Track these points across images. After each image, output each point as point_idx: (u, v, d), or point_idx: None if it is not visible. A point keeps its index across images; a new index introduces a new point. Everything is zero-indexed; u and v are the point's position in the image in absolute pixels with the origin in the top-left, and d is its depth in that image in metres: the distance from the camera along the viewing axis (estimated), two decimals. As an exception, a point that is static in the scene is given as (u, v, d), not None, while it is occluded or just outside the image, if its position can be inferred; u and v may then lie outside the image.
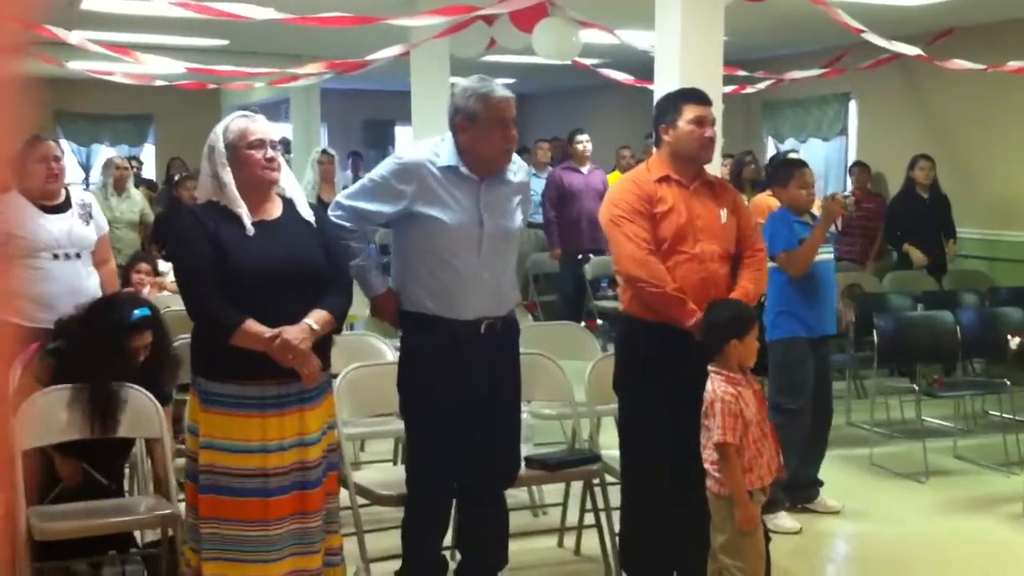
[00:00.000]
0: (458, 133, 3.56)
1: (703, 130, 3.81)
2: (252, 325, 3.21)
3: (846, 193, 5.28)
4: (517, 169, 3.70)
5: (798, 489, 5.00)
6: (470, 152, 3.54)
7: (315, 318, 3.30)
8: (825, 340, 5.04)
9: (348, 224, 3.58)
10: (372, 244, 3.77)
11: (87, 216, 4.61)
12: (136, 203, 8.32)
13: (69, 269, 4.45)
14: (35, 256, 4.37)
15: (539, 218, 9.60)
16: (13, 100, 0.70)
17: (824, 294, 4.97)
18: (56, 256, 4.41)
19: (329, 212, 3.61)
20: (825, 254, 4.98)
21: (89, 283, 4.55)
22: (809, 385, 4.92)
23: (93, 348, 3.76)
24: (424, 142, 3.74)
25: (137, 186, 9.68)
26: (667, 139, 3.85)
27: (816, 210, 5.16)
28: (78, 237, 4.51)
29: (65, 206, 4.56)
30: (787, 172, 5.10)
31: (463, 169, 3.53)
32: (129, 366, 3.79)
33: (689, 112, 3.81)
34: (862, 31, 6.16)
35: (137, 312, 3.85)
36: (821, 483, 5.13)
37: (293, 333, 3.23)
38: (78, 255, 4.53)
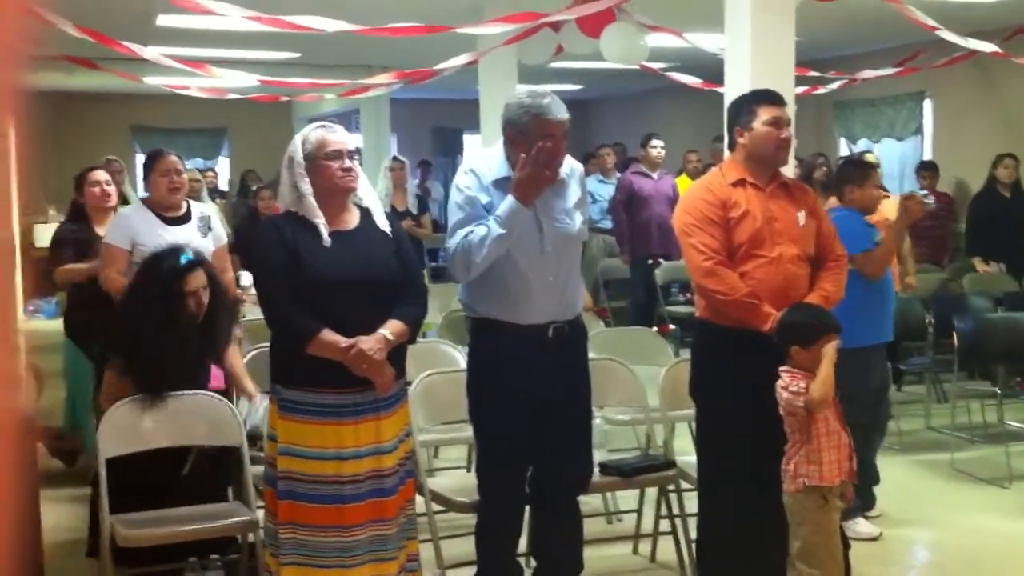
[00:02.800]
0: (510, 144, 3.56)
1: (779, 131, 3.78)
2: (328, 335, 3.25)
3: (924, 192, 5.17)
4: (571, 171, 3.67)
5: None
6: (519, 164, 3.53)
7: (390, 328, 3.33)
8: (885, 347, 4.94)
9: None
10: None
11: (206, 228, 4.82)
12: (212, 212, 8.47)
13: None
14: None
15: (608, 224, 9.60)
16: (16, 106, 0.71)
17: (888, 299, 4.90)
18: None
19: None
20: None
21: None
22: (873, 394, 4.83)
23: (156, 304, 3.83)
24: (480, 155, 3.74)
25: (212, 198, 9.86)
26: (742, 141, 3.82)
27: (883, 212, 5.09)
28: (196, 248, 4.66)
29: (186, 218, 4.78)
30: (860, 172, 5.01)
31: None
32: (192, 313, 3.84)
33: (765, 113, 3.78)
34: (936, 28, 6.06)
35: (184, 256, 3.94)
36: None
37: (368, 343, 3.27)
38: None
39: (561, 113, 3.50)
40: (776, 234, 3.72)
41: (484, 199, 3.53)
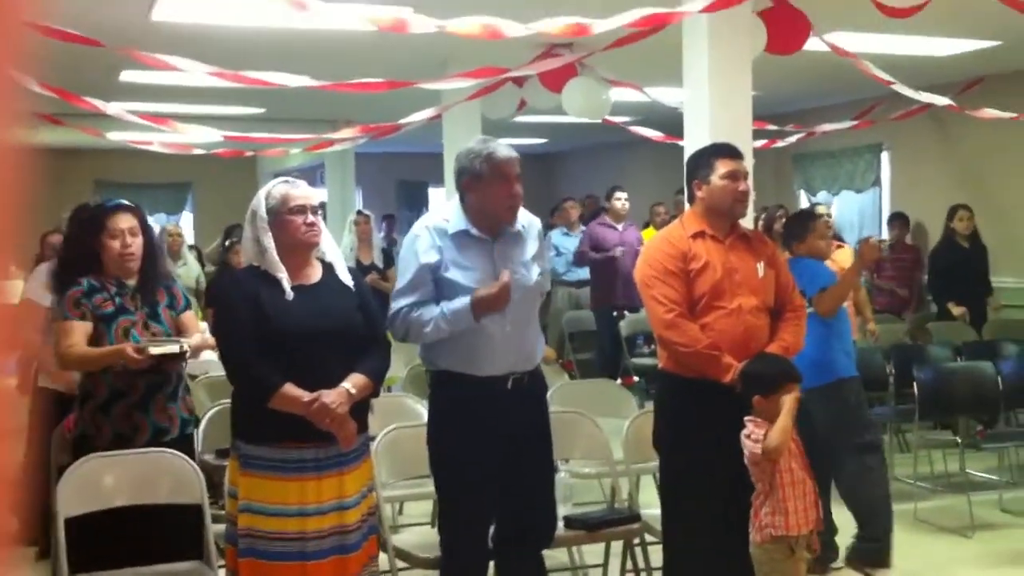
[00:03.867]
0: (465, 193, 3.62)
1: (737, 184, 3.83)
2: (290, 389, 3.24)
3: (882, 237, 5.27)
4: (528, 223, 3.72)
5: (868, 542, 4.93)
6: (478, 211, 3.58)
7: (353, 382, 3.32)
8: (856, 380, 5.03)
9: (402, 313, 3.55)
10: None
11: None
12: (192, 269, 8.49)
13: None
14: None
15: (573, 276, 9.64)
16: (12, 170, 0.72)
17: (848, 335, 5.04)
18: None
19: (389, 327, 3.59)
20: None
21: None
22: (866, 418, 5.01)
23: (81, 243, 3.91)
24: (432, 213, 3.78)
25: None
26: (700, 194, 3.87)
27: (837, 268, 5.20)
28: None
29: None
30: (802, 225, 5.09)
31: (474, 231, 3.58)
32: (119, 254, 3.84)
33: (722, 167, 3.83)
34: (891, 83, 6.17)
35: (114, 200, 4.02)
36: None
37: (331, 397, 3.26)
38: None
39: (510, 152, 3.59)
40: (736, 285, 3.76)
41: (434, 258, 3.54)
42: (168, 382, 3.86)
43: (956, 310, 8.14)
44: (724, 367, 3.64)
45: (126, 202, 4.02)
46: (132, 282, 3.91)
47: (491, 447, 3.55)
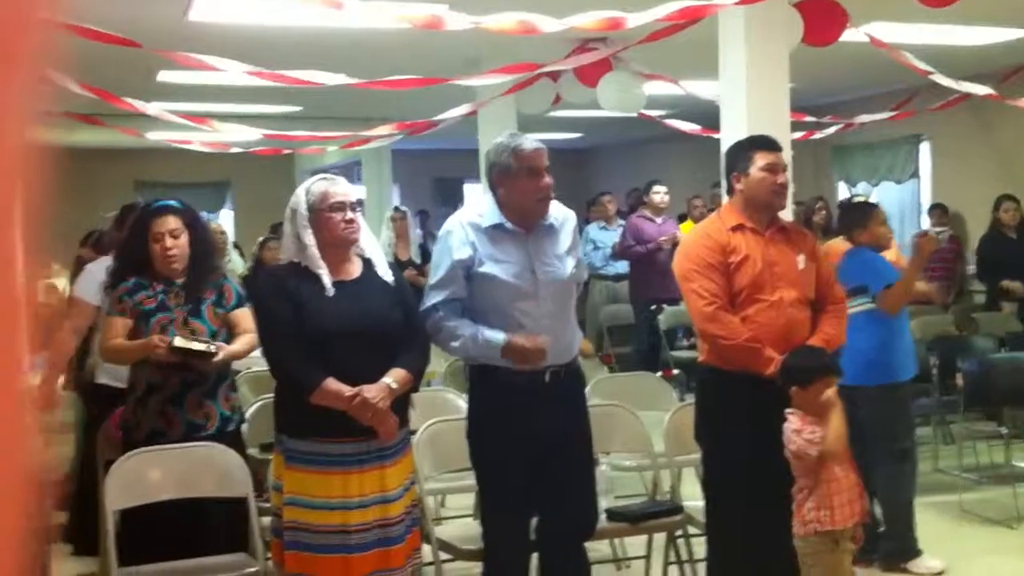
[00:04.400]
0: (496, 189, 3.63)
1: (775, 177, 3.81)
2: (331, 384, 3.27)
3: (939, 229, 5.22)
4: (562, 217, 3.73)
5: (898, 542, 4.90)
6: (509, 206, 3.60)
7: (393, 377, 3.35)
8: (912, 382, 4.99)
9: (439, 314, 3.56)
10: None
11: None
12: (237, 265, 8.55)
13: None
14: None
15: (610, 270, 9.63)
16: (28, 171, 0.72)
17: (908, 335, 4.95)
18: None
19: (427, 324, 3.58)
20: None
21: None
22: (911, 427, 4.96)
23: (131, 245, 4.01)
24: (465, 208, 3.83)
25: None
26: (739, 187, 3.85)
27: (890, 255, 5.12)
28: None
29: None
30: (863, 213, 5.06)
31: (508, 224, 3.59)
32: (160, 256, 3.89)
33: (761, 159, 3.81)
34: (930, 73, 6.12)
35: (160, 201, 4.06)
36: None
37: (372, 392, 3.28)
38: None
39: (537, 144, 3.61)
40: (776, 278, 3.74)
41: (467, 253, 3.56)
42: (205, 379, 3.88)
43: (1013, 285, 8.04)
44: (765, 360, 3.63)
45: (172, 203, 4.06)
46: (180, 280, 3.95)
47: (530, 441, 3.56)
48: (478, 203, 3.76)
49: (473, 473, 3.83)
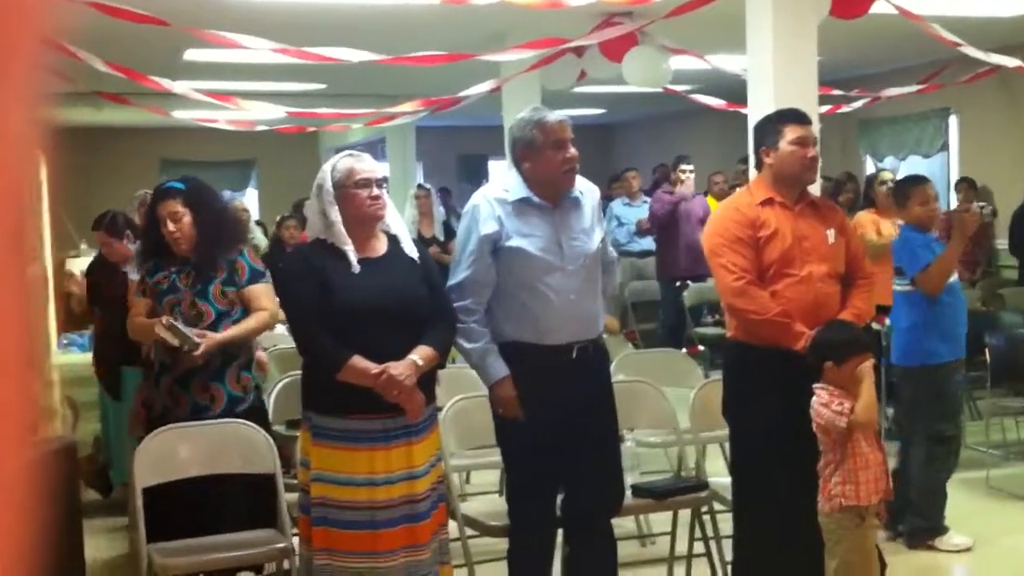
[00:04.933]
0: (521, 163, 3.63)
1: (805, 150, 3.79)
2: (358, 361, 3.28)
3: (982, 204, 5.16)
4: (586, 190, 3.74)
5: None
6: (536, 179, 3.60)
7: (420, 354, 3.36)
8: (958, 363, 4.93)
9: (468, 302, 3.57)
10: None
11: None
12: (260, 244, 8.60)
13: None
14: None
15: (634, 247, 9.62)
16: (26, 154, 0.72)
17: (962, 315, 4.88)
18: None
19: (453, 304, 3.59)
20: (954, 275, 4.85)
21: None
22: (960, 409, 4.88)
23: (147, 228, 4.08)
24: (490, 184, 3.84)
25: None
26: (769, 161, 3.83)
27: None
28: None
29: None
30: (901, 193, 5.02)
31: (534, 198, 3.59)
32: (167, 237, 3.93)
33: (791, 133, 3.79)
34: (959, 44, 6.06)
35: (165, 183, 4.10)
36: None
37: (398, 369, 3.30)
38: None
39: (561, 116, 3.62)
40: (806, 253, 3.73)
41: (493, 228, 3.55)
42: (209, 362, 3.87)
43: None
44: (795, 335, 3.62)
45: (176, 184, 4.04)
46: (193, 260, 3.97)
47: (556, 417, 3.56)
48: (503, 178, 3.76)
49: (498, 450, 3.84)
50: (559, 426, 3.57)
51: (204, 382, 3.90)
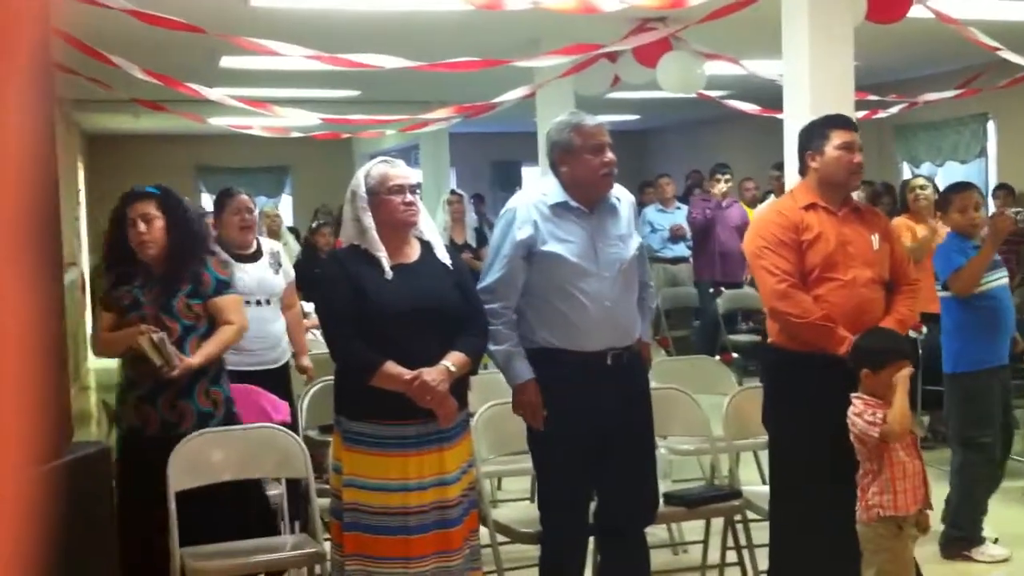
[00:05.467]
0: (559, 167, 3.63)
1: (851, 156, 3.77)
2: (391, 367, 3.28)
3: (1017, 210, 5.12)
4: (622, 197, 3.73)
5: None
6: (573, 184, 3.59)
7: (452, 360, 3.36)
8: (1005, 369, 4.85)
9: (497, 306, 3.57)
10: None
11: (277, 264, 4.87)
12: (292, 250, 8.65)
13: (259, 314, 4.65)
14: None
15: (667, 253, 9.59)
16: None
17: (1004, 321, 4.81)
18: (248, 303, 4.55)
19: (487, 312, 3.57)
20: (998, 279, 4.78)
21: (276, 327, 4.81)
22: (998, 417, 4.78)
23: (112, 234, 3.92)
24: (531, 187, 3.84)
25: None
26: (814, 166, 3.81)
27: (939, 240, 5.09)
28: (269, 285, 4.77)
29: (257, 255, 4.83)
30: (945, 197, 5.02)
31: (572, 203, 3.58)
32: (135, 241, 3.80)
33: (837, 138, 3.77)
34: (998, 49, 5.99)
35: (139, 187, 3.95)
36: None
37: (431, 375, 3.29)
38: (268, 301, 4.77)
39: (598, 120, 3.62)
40: (850, 258, 3.70)
41: (528, 233, 3.54)
42: (179, 377, 3.74)
43: None
44: (838, 339, 3.59)
45: (150, 188, 3.92)
46: (159, 272, 3.83)
47: (591, 423, 3.54)
48: (541, 183, 3.75)
49: (529, 456, 3.83)
50: (593, 433, 3.55)
51: (171, 399, 3.78)
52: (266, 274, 4.76)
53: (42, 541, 0.71)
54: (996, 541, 4.87)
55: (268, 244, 4.99)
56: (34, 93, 0.71)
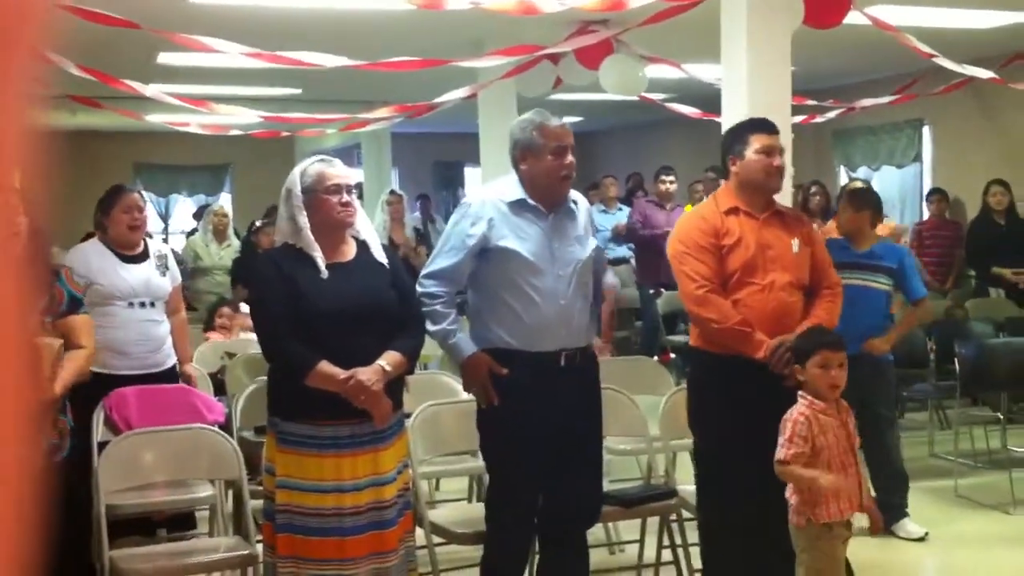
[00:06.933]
0: (519, 165, 3.64)
1: (771, 159, 3.79)
2: (326, 367, 3.26)
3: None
4: (579, 199, 3.77)
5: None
6: (532, 183, 3.60)
7: (388, 360, 3.34)
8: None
9: (435, 290, 3.58)
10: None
11: (164, 267, 4.70)
12: (236, 250, 8.54)
13: (141, 316, 4.53)
14: (110, 303, 4.45)
15: (610, 254, 9.63)
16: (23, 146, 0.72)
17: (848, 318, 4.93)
18: (131, 304, 4.47)
19: (418, 289, 3.59)
20: (856, 279, 4.87)
21: (160, 330, 4.63)
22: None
23: None
24: (491, 184, 3.83)
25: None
26: (735, 170, 3.84)
27: (882, 231, 5.19)
28: (155, 287, 4.60)
29: (143, 256, 4.65)
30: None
31: (530, 201, 3.59)
32: None
33: (757, 142, 3.80)
34: (933, 55, 6.09)
35: None
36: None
37: (366, 375, 3.27)
38: (152, 304, 4.61)
39: (563, 123, 3.63)
40: (769, 261, 3.73)
41: (481, 228, 3.55)
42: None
43: (1004, 272, 8.04)
44: (755, 343, 3.62)
45: None
46: None
47: (543, 423, 3.54)
48: (500, 181, 3.76)
49: (467, 457, 3.83)
50: (545, 433, 3.55)
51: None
52: (152, 276, 4.59)
53: (40, 541, 0.70)
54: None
55: (156, 246, 4.83)
56: (33, 89, 0.71)
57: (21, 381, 0.70)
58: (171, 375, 4.68)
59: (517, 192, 3.61)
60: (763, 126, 3.87)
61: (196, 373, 4.87)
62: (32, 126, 0.72)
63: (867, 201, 5.28)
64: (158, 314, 4.63)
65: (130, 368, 4.44)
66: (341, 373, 3.26)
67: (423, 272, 3.65)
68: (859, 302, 4.90)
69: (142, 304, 4.54)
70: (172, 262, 4.83)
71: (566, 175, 3.61)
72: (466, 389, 3.68)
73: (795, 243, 3.80)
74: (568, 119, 3.67)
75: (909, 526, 4.98)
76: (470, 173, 16.70)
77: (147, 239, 4.76)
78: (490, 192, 3.69)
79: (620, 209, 9.93)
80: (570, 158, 3.60)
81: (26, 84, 0.70)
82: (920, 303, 5.12)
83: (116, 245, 4.58)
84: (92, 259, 4.52)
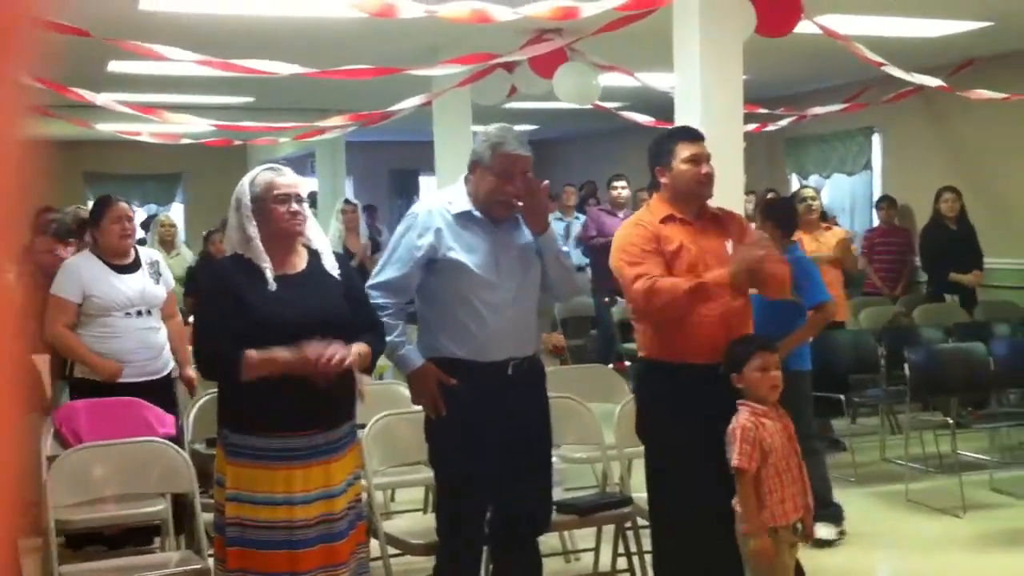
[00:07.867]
0: (469, 175, 3.63)
1: (699, 168, 3.76)
2: (255, 353, 3.15)
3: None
4: None
5: None
6: (476, 196, 3.59)
7: (355, 348, 3.28)
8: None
9: (382, 301, 3.56)
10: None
11: (156, 274, 4.76)
12: (185, 260, 8.47)
13: (140, 325, 4.58)
14: (108, 315, 4.49)
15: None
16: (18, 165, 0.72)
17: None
18: (128, 314, 4.50)
19: (371, 299, 3.56)
20: None
21: (159, 337, 4.71)
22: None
23: None
24: (439, 192, 3.80)
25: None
26: (665, 181, 3.81)
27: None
28: (150, 295, 4.66)
29: (135, 265, 4.69)
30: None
31: (476, 213, 3.58)
32: None
33: (683, 151, 3.77)
34: (882, 64, 6.17)
35: None
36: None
37: (313, 346, 3.18)
38: (148, 312, 4.65)
39: (520, 149, 3.56)
40: (709, 267, 3.69)
41: (428, 240, 3.54)
42: None
43: (962, 277, 8.15)
44: (716, 281, 3.56)
45: None
46: None
47: (491, 432, 3.54)
48: (449, 190, 3.73)
49: (422, 467, 3.81)
50: (494, 441, 3.54)
51: None
52: (147, 284, 4.65)
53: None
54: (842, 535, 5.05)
55: (147, 253, 4.86)
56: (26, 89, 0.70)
57: (15, 389, 0.70)
58: (167, 382, 4.75)
59: (464, 203, 3.59)
60: (687, 134, 3.86)
61: (196, 375, 4.88)
62: (23, 134, 0.72)
63: (769, 213, 5.36)
64: (156, 321, 4.68)
65: (129, 376, 4.51)
66: (278, 350, 3.14)
67: (370, 282, 3.62)
68: (763, 311, 4.94)
69: (139, 313, 4.59)
70: (164, 267, 4.89)
71: (502, 201, 3.56)
72: (414, 401, 3.66)
73: (728, 245, 3.75)
74: (524, 127, 3.67)
75: (822, 530, 4.93)
76: (425, 181, 16.68)
77: (136, 247, 4.79)
78: (436, 201, 3.66)
79: (576, 218, 9.96)
80: (510, 187, 3.53)
81: (16, 91, 0.70)
82: (820, 307, 4.88)
83: (108, 255, 4.63)
84: (85, 272, 4.57)
